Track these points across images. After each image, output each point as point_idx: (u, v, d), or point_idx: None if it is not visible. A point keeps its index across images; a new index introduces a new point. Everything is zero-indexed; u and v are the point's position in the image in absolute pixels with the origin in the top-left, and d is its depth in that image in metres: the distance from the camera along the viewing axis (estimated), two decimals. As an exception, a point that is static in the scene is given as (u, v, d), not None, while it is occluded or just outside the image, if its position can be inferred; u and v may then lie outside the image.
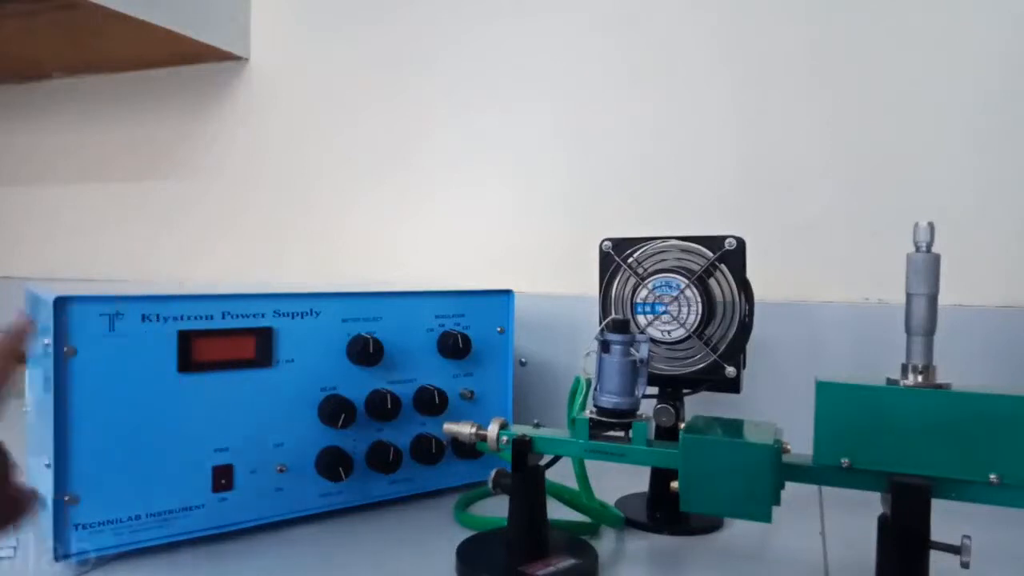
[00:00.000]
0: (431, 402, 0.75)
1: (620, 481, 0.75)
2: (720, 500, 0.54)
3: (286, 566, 0.62)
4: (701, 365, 0.70)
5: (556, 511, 0.65)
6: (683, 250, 0.72)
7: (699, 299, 0.70)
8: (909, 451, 0.50)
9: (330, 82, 1.22)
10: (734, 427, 0.57)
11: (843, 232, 0.93)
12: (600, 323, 0.67)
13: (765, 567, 0.63)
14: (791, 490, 0.54)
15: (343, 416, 0.69)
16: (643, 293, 0.72)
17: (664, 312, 0.71)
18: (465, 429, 0.64)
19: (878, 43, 0.91)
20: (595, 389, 0.60)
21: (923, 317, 0.52)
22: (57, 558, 0.58)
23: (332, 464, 0.69)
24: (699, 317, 0.70)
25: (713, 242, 0.70)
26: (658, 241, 0.73)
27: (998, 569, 0.61)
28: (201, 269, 1.33)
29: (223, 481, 0.65)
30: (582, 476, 0.67)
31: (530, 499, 0.60)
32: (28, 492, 0.56)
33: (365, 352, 0.71)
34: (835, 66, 0.93)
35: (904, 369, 0.52)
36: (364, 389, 0.72)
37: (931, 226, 0.51)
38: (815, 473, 0.53)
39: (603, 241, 0.75)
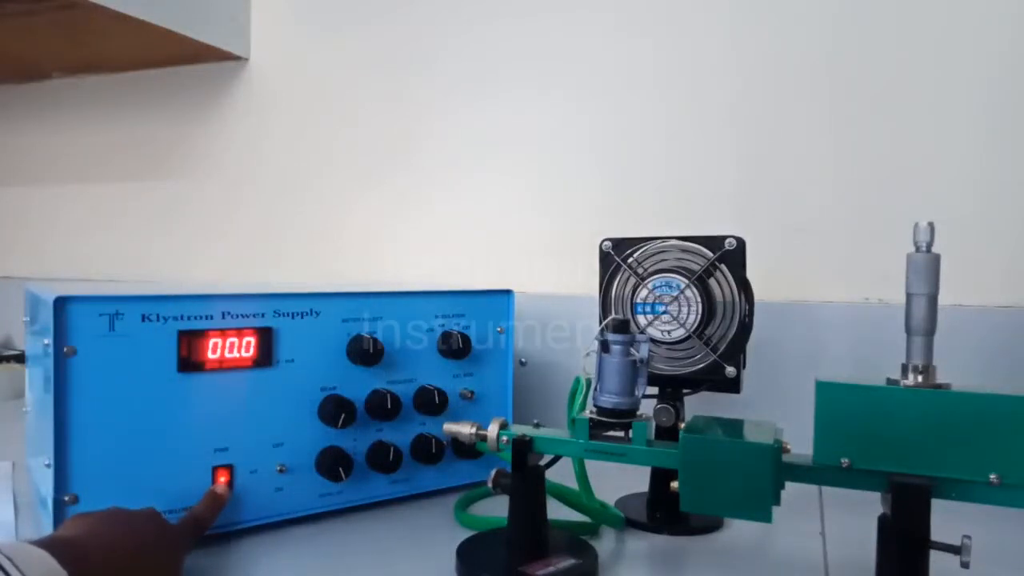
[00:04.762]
0: (431, 402, 0.75)
1: (620, 481, 0.75)
2: (720, 500, 0.54)
3: (286, 566, 0.62)
4: (701, 365, 0.70)
5: (556, 511, 0.65)
6: (683, 250, 0.72)
7: (699, 299, 0.70)
8: (909, 451, 0.50)
9: (330, 82, 1.22)
10: (734, 427, 0.57)
11: (843, 232, 0.93)
12: (600, 323, 0.67)
13: (765, 567, 0.63)
14: (791, 490, 0.53)
15: (343, 416, 0.69)
16: (643, 293, 0.72)
17: (664, 312, 0.71)
18: (465, 429, 0.64)
19: (878, 43, 0.91)
20: (595, 389, 0.60)
21: (923, 317, 0.52)
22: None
23: (332, 464, 0.69)
24: (699, 317, 0.70)
25: (713, 242, 0.70)
26: (658, 241, 0.73)
27: (998, 569, 0.61)
28: (200, 269, 1.34)
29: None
30: (582, 476, 0.67)
31: (530, 499, 0.60)
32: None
33: (365, 352, 0.71)
34: (835, 66, 0.93)
35: (904, 369, 0.52)
36: (364, 389, 0.72)
37: (931, 226, 0.51)
38: (815, 473, 0.53)
39: (603, 241, 0.75)
